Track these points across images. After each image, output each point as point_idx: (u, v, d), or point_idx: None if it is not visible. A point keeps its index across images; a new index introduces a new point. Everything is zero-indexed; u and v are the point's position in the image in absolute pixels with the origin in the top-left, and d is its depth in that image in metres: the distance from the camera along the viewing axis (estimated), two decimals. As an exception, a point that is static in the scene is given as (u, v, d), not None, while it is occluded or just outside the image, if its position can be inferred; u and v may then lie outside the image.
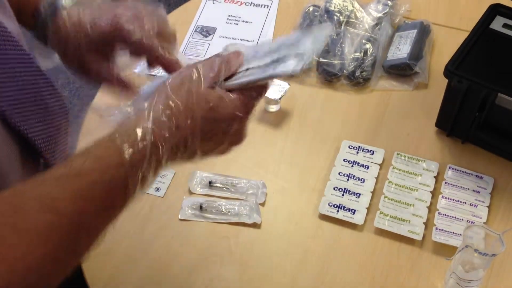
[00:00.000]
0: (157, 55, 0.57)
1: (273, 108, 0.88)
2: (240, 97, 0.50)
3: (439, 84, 0.84)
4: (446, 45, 0.94)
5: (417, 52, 0.90)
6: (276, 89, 0.86)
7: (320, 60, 0.92)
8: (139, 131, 0.45)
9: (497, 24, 0.81)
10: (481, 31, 0.80)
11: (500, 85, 0.74)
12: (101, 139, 0.46)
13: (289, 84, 0.87)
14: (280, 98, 0.86)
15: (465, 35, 0.81)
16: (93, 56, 0.59)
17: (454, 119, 0.80)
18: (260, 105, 0.88)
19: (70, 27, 0.58)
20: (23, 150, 0.51)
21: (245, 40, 0.98)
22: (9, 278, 0.38)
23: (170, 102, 0.47)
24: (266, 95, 0.84)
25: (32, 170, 0.53)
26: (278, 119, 0.88)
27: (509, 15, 0.81)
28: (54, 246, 0.41)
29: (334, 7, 0.97)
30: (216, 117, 0.49)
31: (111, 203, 0.45)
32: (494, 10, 0.82)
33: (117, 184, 0.44)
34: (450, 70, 0.76)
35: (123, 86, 0.60)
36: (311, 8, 0.99)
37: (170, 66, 0.57)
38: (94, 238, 0.45)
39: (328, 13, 0.97)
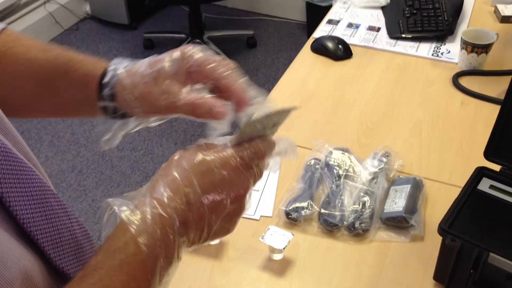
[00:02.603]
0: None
1: (277, 256, 0.92)
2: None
3: (435, 237, 0.89)
4: (438, 199, 1.01)
5: (412, 206, 0.97)
6: (280, 239, 0.91)
7: (322, 211, 0.98)
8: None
9: (484, 185, 0.88)
10: (470, 192, 0.87)
11: (491, 245, 0.79)
12: (115, 237, 0.51)
13: (293, 234, 0.92)
14: (284, 248, 0.90)
15: (455, 190, 0.88)
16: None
17: (450, 274, 0.84)
18: (265, 253, 0.93)
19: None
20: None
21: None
22: None
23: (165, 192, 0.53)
24: (270, 244, 0.90)
25: None
26: (282, 267, 0.91)
27: (494, 177, 0.89)
28: None
29: (334, 161, 1.05)
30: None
31: None
32: (481, 173, 0.90)
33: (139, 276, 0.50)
34: (444, 229, 0.82)
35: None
36: (312, 161, 1.08)
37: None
38: None
39: (328, 166, 1.05)
